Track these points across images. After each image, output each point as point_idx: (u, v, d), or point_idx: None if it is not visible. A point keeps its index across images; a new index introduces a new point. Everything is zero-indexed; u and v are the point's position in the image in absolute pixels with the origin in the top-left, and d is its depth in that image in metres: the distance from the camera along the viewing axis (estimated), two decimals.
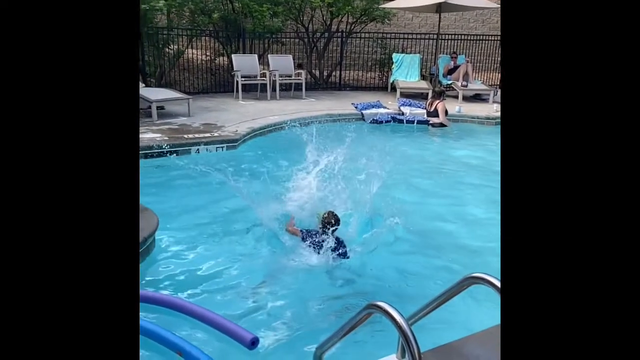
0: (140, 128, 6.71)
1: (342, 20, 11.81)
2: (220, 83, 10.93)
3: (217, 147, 6.27)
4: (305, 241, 3.44)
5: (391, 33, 12.58)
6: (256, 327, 2.60)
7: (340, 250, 3.37)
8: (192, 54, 11.20)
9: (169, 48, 10.19)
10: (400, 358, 1.79)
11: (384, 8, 11.45)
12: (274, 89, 9.84)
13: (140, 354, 2.25)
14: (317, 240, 3.37)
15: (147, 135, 6.29)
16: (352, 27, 11.94)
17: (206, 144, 6.21)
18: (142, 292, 2.72)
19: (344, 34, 11.98)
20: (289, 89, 10.51)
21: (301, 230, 3.53)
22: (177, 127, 6.94)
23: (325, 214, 3.49)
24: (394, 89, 11.24)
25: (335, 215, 3.48)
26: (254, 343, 2.25)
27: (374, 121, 8.59)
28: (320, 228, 3.46)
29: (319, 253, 3.33)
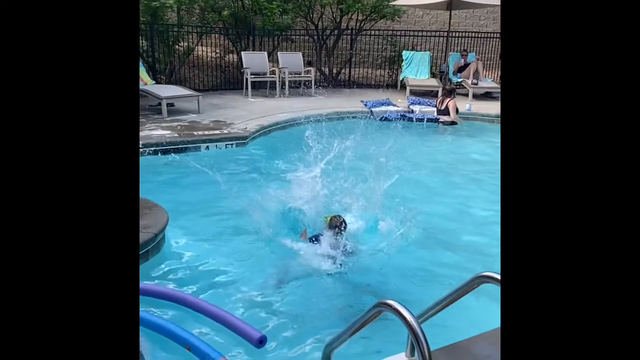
0: (150, 125, 6.75)
1: (352, 17, 11.78)
2: (229, 80, 10.96)
3: (226, 145, 6.29)
4: (313, 243, 3.45)
5: (401, 30, 12.51)
6: (264, 325, 2.60)
7: (344, 258, 3.37)
8: (202, 51, 11.24)
9: (179, 45, 10.24)
10: (410, 356, 1.79)
11: (394, 5, 11.39)
12: (283, 87, 9.84)
13: (149, 347, 2.28)
14: (324, 244, 3.38)
15: (157, 132, 6.33)
16: (362, 25, 11.91)
17: (216, 141, 6.23)
18: (151, 286, 2.74)
19: (354, 31, 11.94)
20: (298, 87, 10.51)
21: (310, 238, 3.55)
22: (186, 124, 6.97)
23: (331, 217, 3.50)
24: (403, 86, 11.19)
25: (341, 218, 3.49)
26: (261, 342, 2.25)
27: (384, 119, 8.56)
28: (327, 231, 3.47)
29: (326, 255, 3.34)
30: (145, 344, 2.30)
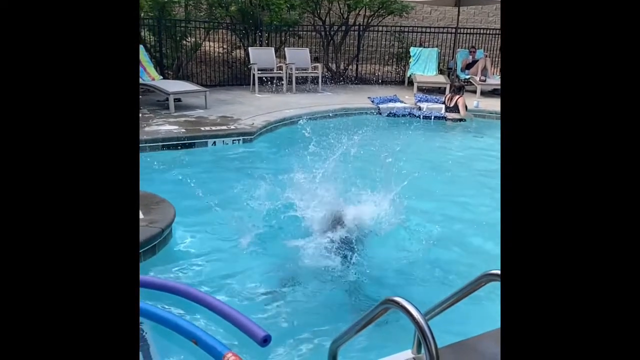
0: (158, 120, 6.77)
1: (360, 13, 11.73)
2: (236, 76, 10.96)
3: (233, 140, 6.30)
4: (318, 239, 3.46)
5: (409, 26, 12.45)
6: (269, 321, 2.61)
7: (350, 255, 3.37)
8: (209, 46, 11.24)
9: (186, 40, 10.25)
10: (416, 353, 1.78)
11: (402, 1, 11.33)
12: (290, 83, 9.83)
13: (156, 341, 2.29)
14: (328, 241, 3.39)
15: (164, 127, 6.35)
16: (370, 21, 11.86)
17: (222, 136, 6.24)
18: (157, 280, 2.75)
19: (361, 27, 11.90)
20: (305, 83, 10.49)
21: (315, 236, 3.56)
22: (194, 119, 6.98)
23: (333, 215, 3.50)
24: (411, 83, 11.14)
25: (341, 217, 3.49)
26: (266, 340, 2.24)
27: (391, 114, 8.53)
28: (329, 229, 3.48)
29: (331, 252, 3.34)
30: (152, 337, 2.31)
